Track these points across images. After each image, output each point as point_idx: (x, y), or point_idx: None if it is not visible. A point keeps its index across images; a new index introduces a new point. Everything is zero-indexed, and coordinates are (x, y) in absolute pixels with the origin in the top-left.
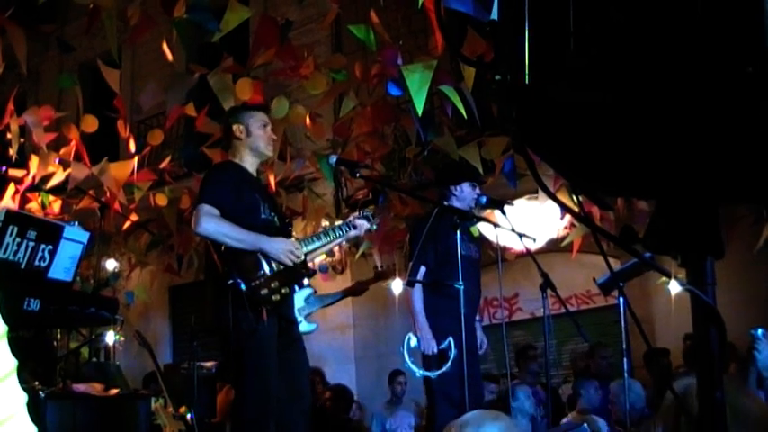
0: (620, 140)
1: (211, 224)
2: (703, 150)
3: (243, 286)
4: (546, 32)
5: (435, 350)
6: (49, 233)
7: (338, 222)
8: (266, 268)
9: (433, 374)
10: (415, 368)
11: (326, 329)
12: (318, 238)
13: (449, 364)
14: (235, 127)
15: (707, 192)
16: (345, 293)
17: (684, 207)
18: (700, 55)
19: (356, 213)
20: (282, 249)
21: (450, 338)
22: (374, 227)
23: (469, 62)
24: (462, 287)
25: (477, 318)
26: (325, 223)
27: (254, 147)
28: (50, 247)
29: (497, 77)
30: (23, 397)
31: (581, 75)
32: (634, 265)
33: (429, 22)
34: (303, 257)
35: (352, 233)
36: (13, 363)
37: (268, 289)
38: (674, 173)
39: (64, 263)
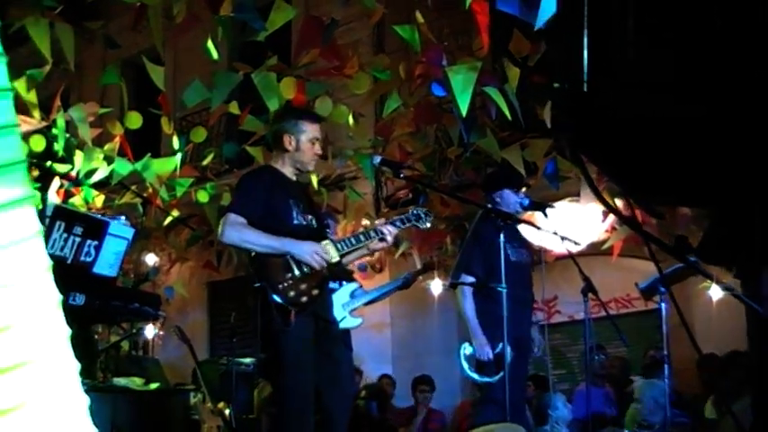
0: (679, 149)
1: (235, 233)
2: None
3: (269, 289)
4: (604, 42)
5: (491, 356)
6: (95, 229)
7: (377, 222)
8: (295, 271)
9: (492, 380)
10: (475, 375)
11: (363, 328)
12: (357, 239)
13: (500, 373)
14: (286, 137)
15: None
16: (395, 287)
17: (742, 218)
18: (760, 64)
19: (381, 221)
20: (308, 252)
21: (506, 349)
22: (428, 224)
23: (520, 64)
24: (506, 290)
25: (534, 318)
26: (365, 222)
27: (299, 160)
28: (96, 242)
29: (556, 85)
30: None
31: (639, 84)
32: (677, 270)
33: (471, 23)
34: (337, 258)
35: (379, 245)
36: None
37: (296, 291)
38: (733, 182)
39: (108, 258)
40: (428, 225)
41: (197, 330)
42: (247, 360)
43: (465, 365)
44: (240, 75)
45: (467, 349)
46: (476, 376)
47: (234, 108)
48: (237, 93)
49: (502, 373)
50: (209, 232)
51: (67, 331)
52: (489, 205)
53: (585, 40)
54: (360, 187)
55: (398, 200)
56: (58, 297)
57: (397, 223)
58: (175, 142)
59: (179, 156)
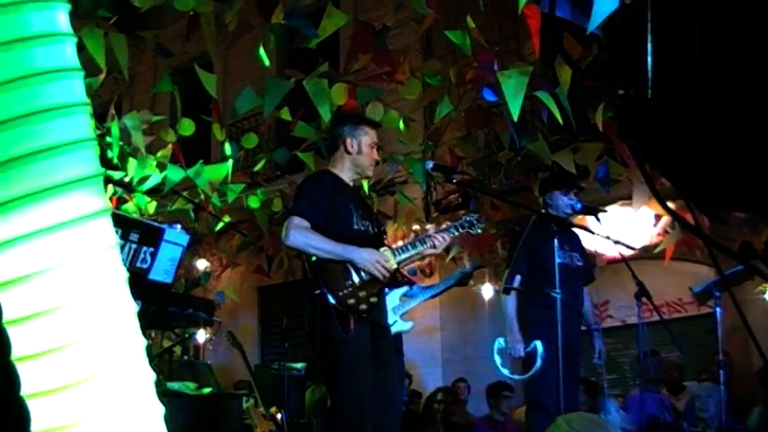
0: (745, 155)
1: (299, 237)
2: None
3: (330, 296)
4: (668, 48)
5: (522, 353)
6: (151, 235)
7: (429, 227)
8: (355, 278)
9: (519, 377)
10: (505, 371)
11: (413, 332)
12: (413, 246)
13: (535, 368)
14: (348, 140)
15: None
16: (452, 283)
17: None
18: None
19: (432, 227)
20: (371, 261)
21: (536, 343)
22: (480, 230)
23: (574, 65)
24: (560, 296)
25: (595, 325)
26: (415, 227)
27: (359, 164)
28: (152, 249)
29: (620, 92)
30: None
31: (705, 91)
32: (735, 273)
33: (521, 27)
34: (395, 266)
35: (429, 251)
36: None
37: (355, 299)
38: None
39: (164, 265)
40: (480, 231)
41: (247, 335)
42: (299, 365)
43: (497, 359)
44: (292, 81)
45: (500, 344)
46: (506, 371)
47: (285, 114)
48: (288, 99)
49: (532, 372)
50: (260, 237)
51: (144, 342)
52: (543, 209)
53: (650, 45)
54: (409, 192)
55: (449, 204)
56: (135, 308)
57: (452, 230)
58: (227, 149)
59: (230, 162)
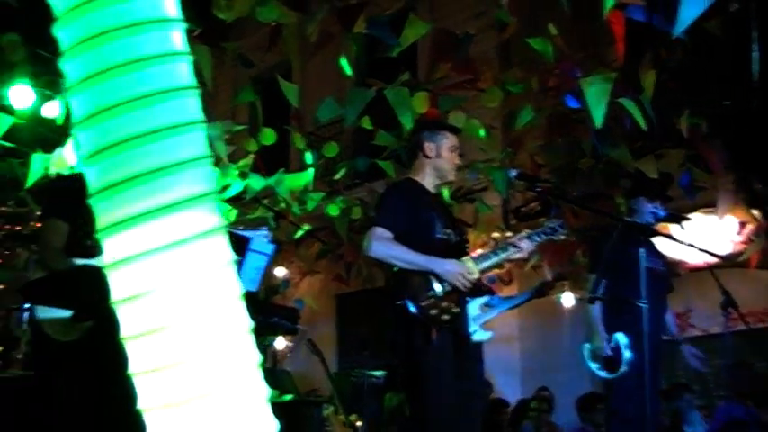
0: None
1: (381, 247)
2: None
3: (412, 307)
4: None
5: (609, 352)
6: (237, 245)
7: (508, 234)
8: (437, 288)
9: (609, 375)
10: (601, 373)
11: (491, 341)
12: (495, 254)
13: (625, 360)
14: (426, 145)
15: None
16: (532, 294)
17: None
18: None
19: (514, 233)
20: (453, 272)
21: (617, 336)
22: (562, 237)
23: (661, 68)
24: (646, 305)
25: (678, 335)
26: (495, 234)
27: (440, 168)
28: (238, 258)
29: (726, 103)
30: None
31: None
32: None
33: (602, 33)
34: (477, 275)
35: (516, 255)
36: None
37: (438, 309)
38: None
39: (250, 274)
40: (563, 237)
41: (325, 342)
42: (378, 372)
43: (591, 365)
44: (373, 90)
45: (587, 349)
46: (603, 374)
47: (366, 123)
48: (368, 108)
49: (621, 371)
50: (339, 245)
51: (259, 358)
52: (626, 216)
53: (756, 54)
54: (488, 199)
55: (529, 212)
56: (250, 324)
57: (534, 237)
58: (308, 157)
59: (311, 170)
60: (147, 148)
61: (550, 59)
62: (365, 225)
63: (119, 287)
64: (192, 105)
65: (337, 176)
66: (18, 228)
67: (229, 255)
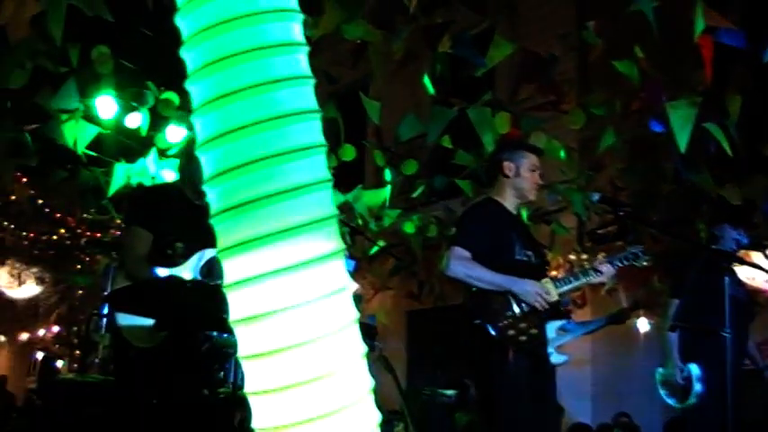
0: None
1: (460, 267)
2: None
3: (490, 327)
4: None
5: (680, 380)
6: None
7: (585, 259)
8: (515, 309)
9: (679, 405)
10: (669, 400)
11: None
12: (576, 278)
13: (694, 393)
14: (506, 164)
15: None
16: (609, 320)
17: None
18: None
19: (600, 257)
20: (531, 293)
21: (691, 368)
22: (644, 263)
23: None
24: (730, 335)
25: (763, 363)
26: (571, 257)
27: (519, 188)
28: None
29: None
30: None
31: None
32: None
33: (690, 57)
34: (556, 298)
35: (596, 279)
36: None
37: (515, 330)
38: None
39: None
40: (645, 264)
41: (395, 358)
42: (449, 391)
43: (661, 391)
44: (455, 109)
45: (659, 374)
46: (671, 401)
47: (446, 142)
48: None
49: (689, 402)
50: (413, 262)
51: (372, 382)
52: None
53: None
54: (563, 221)
55: (607, 235)
56: (364, 350)
57: (616, 262)
58: (387, 174)
59: (389, 187)
60: (270, 172)
61: (636, 82)
62: (440, 243)
63: (237, 307)
64: (314, 129)
65: (415, 194)
66: (98, 235)
67: (346, 279)
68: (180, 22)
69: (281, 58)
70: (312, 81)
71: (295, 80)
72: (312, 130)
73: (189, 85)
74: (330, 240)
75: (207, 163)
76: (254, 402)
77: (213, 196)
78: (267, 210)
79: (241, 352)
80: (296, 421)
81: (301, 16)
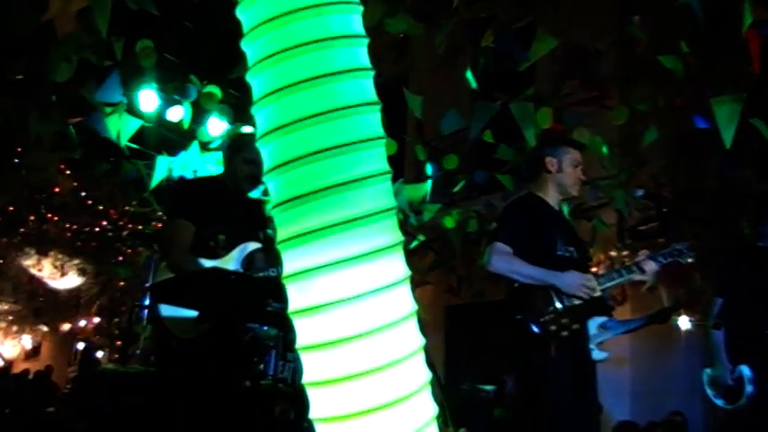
0: None
1: (502, 263)
2: None
3: (531, 323)
4: None
5: (729, 381)
6: None
7: (626, 255)
8: (557, 304)
9: (728, 406)
10: (717, 401)
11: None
12: (620, 275)
13: (746, 394)
14: (548, 159)
15: None
16: (649, 320)
17: None
18: None
19: (643, 253)
20: (574, 284)
21: (742, 369)
22: (689, 260)
23: None
24: None
25: None
26: (612, 254)
27: (562, 183)
28: None
29: None
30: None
31: None
32: None
33: (733, 52)
34: (599, 293)
35: (639, 276)
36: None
37: (557, 325)
38: None
39: None
40: (689, 260)
41: (433, 353)
42: (488, 387)
43: (709, 391)
44: (498, 104)
45: (707, 374)
46: (719, 402)
47: (488, 137)
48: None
49: (740, 403)
50: (453, 257)
51: (429, 376)
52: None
53: None
54: (604, 217)
55: (648, 231)
56: (422, 342)
57: (660, 259)
58: (428, 168)
59: (429, 182)
60: (331, 163)
61: (680, 77)
62: (480, 238)
63: (297, 298)
64: (374, 121)
65: (456, 189)
66: (140, 227)
67: (406, 270)
68: (240, 14)
69: (343, 50)
70: (372, 73)
71: (356, 72)
72: (373, 123)
73: (250, 78)
74: (391, 232)
75: (267, 155)
76: (312, 393)
77: (273, 188)
78: (328, 201)
79: (300, 342)
80: (353, 412)
81: (361, 8)
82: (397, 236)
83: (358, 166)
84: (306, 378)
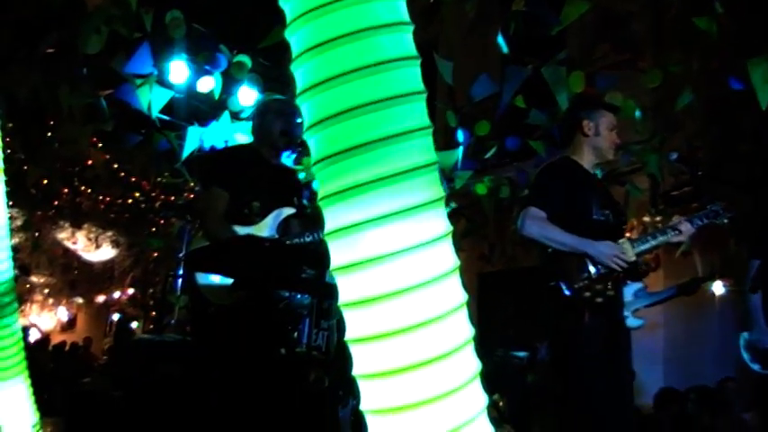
0: None
1: (535, 228)
2: None
3: (565, 288)
4: None
5: (767, 345)
6: None
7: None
8: (591, 270)
9: (762, 370)
10: (754, 365)
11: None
12: (654, 238)
13: None
14: (585, 122)
15: None
16: (680, 290)
17: None
18: None
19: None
20: (607, 254)
21: None
22: (725, 221)
23: None
24: None
25: None
26: (645, 219)
27: (598, 147)
28: None
29: None
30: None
31: None
32: None
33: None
34: (634, 258)
35: (675, 238)
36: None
37: (591, 291)
38: None
39: None
40: (726, 221)
41: None
42: (521, 353)
43: (745, 355)
44: (530, 69)
45: (745, 338)
46: (756, 367)
47: (519, 102)
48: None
49: None
50: (485, 224)
51: (472, 332)
52: None
53: None
54: (637, 182)
55: (681, 196)
56: (465, 297)
57: (696, 221)
58: (460, 135)
59: (461, 149)
60: (373, 117)
61: (714, 39)
62: (512, 205)
63: (339, 254)
64: (415, 75)
65: (488, 155)
66: (172, 198)
67: (447, 225)
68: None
69: (384, 4)
70: (412, 27)
71: (397, 26)
72: (414, 77)
73: (288, 35)
74: (433, 187)
75: (307, 110)
76: (355, 350)
77: (313, 144)
78: (371, 156)
79: (343, 299)
80: (399, 367)
81: None
82: (439, 191)
83: (401, 121)
84: (349, 335)
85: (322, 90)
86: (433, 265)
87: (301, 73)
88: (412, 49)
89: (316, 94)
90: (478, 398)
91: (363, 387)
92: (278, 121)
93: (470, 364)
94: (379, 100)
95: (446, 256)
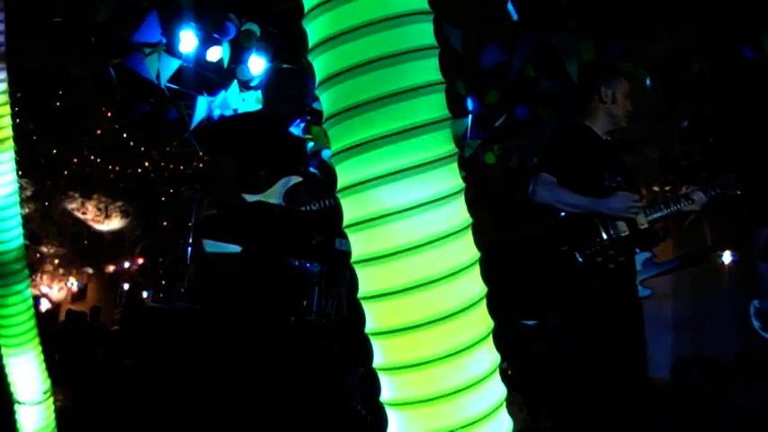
0: None
1: (547, 193)
2: None
3: (577, 254)
4: None
5: None
6: None
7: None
8: (604, 235)
9: None
10: (765, 334)
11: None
12: (667, 206)
13: None
14: (603, 89)
15: None
16: (683, 262)
17: None
18: None
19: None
20: (623, 208)
21: None
22: (738, 192)
23: None
24: None
25: None
26: (655, 188)
27: (614, 114)
28: None
29: None
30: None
31: None
32: None
33: None
34: (646, 225)
35: (688, 208)
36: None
37: (604, 257)
38: None
39: None
40: (738, 192)
41: None
42: (530, 321)
43: (755, 323)
44: (539, 36)
45: (755, 306)
46: (765, 334)
47: (529, 70)
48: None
49: None
50: (494, 192)
51: (485, 289)
52: None
53: None
54: (647, 152)
55: (692, 166)
56: (477, 254)
57: (709, 191)
58: (468, 103)
59: (470, 117)
60: (385, 73)
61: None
62: (520, 173)
63: (351, 211)
64: (427, 31)
65: (497, 124)
66: (181, 167)
67: (459, 182)
68: None
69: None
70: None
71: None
72: (426, 32)
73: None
74: (446, 144)
75: (318, 67)
76: (367, 307)
77: (325, 100)
78: (383, 111)
79: (355, 256)
80: (412, 322)
81: None
82: (452, 148)
83: (413, 76)
84: (361, 292)
85: (332, 46)
86: (447, 221)
87: (312, 29)
88: (424, 3)
89: (326, 49)
90: (492, 355)
91: (375, 345)
92: (286, 89)
93: (485, 320)
94: (391, 54)
95: (459, 212)
